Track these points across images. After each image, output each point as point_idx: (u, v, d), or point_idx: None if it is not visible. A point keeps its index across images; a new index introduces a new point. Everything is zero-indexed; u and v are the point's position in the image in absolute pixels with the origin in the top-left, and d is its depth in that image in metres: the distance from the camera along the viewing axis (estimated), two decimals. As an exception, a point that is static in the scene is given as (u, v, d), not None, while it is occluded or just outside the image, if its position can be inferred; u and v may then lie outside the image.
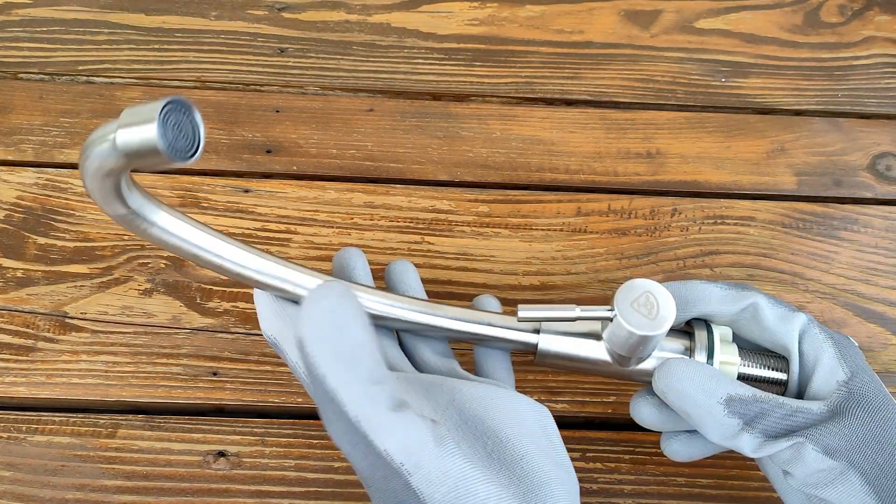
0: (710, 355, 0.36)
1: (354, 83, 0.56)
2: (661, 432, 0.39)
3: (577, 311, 0.35)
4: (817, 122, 0.56)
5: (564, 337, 0.37)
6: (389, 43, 0.58)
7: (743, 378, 0.36)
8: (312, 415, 0.44)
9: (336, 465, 0.42)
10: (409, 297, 0.38)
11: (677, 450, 0.38)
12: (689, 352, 0.36)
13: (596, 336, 0.37)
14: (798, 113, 0.57)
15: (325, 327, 0.30)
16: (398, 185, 0.51)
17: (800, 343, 0.36)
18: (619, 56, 0.58)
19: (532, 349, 0.37)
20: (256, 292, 0.36)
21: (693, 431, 0.38)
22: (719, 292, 0.37)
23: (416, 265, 0.44)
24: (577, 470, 0.43)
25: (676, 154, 0.54)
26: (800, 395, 0.36)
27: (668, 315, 0.34)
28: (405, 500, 0.30)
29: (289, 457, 0.42)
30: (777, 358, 0.37)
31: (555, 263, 0.49)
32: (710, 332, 0.37)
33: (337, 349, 0.30)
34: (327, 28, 0.58)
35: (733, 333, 0.38)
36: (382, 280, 0.41)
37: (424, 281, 0.47)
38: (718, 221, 0.51)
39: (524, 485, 0.32)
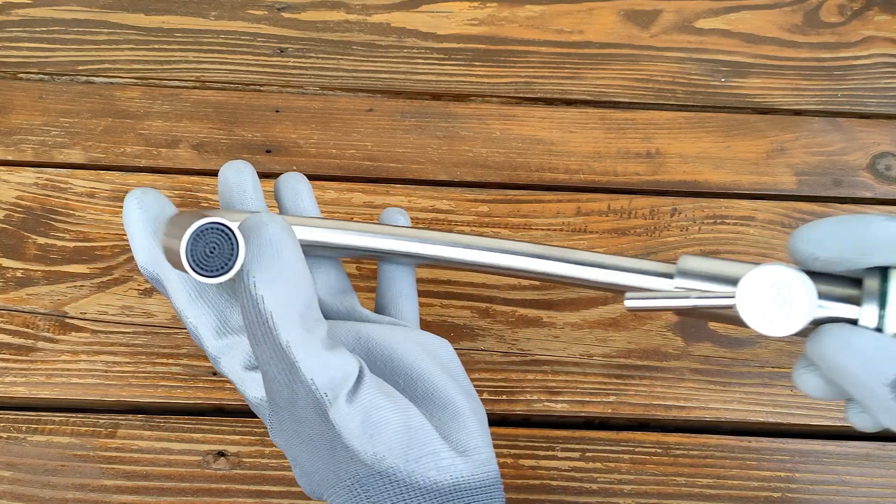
0: (882, 312, 0.29)
1: (354, 83, 0.56)
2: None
3: (692, 300, 0.31)
4: (817, 121, 0.56)
5: (699, 281, 0.32)
6: (389, 43, 0.58)
7: None
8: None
9: (336, 464, 0.42)
10: (455, 234, 0.37)
11: (812, 385, 0.32)
12: (856, 303, 0.30)
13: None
14: (798, 113, 0.57)
15: (268, 254, 0.30)
16: (398, 185, 0.52)
17: None
18: (618, 56, 0.58)
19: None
20: (130, 217, 0.34)
21: None
22: None
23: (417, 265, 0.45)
24: (577, 470, 0.43)
25: (676, 154, 0.54)
26: None
27: (804, 313, 0.28)
28: (321, 429, 0.30)
29: (289, 457, 0.42)
30: None
31: (554, 263, 0.49)
32: (884, 281, 0.29)
33: (279, 275, 0.30)
34: (327, 28, 0.58)
35: None
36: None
37: (424, 281, 0.47)
38: (718, 221, 0.51)
39: (438, 415, 0.32)
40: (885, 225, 0.29)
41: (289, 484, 0.42)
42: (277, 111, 0.54)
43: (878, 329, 0.29)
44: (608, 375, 0.46)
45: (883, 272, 0.30)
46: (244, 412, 0.44)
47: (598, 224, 0.51)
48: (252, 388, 0.33)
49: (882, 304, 0.29)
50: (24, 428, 0.43)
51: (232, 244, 0.30)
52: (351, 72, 0.56)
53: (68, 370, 0.44)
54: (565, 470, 0.43)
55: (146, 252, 0.34)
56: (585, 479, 0.43)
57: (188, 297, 0.34)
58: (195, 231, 0.29)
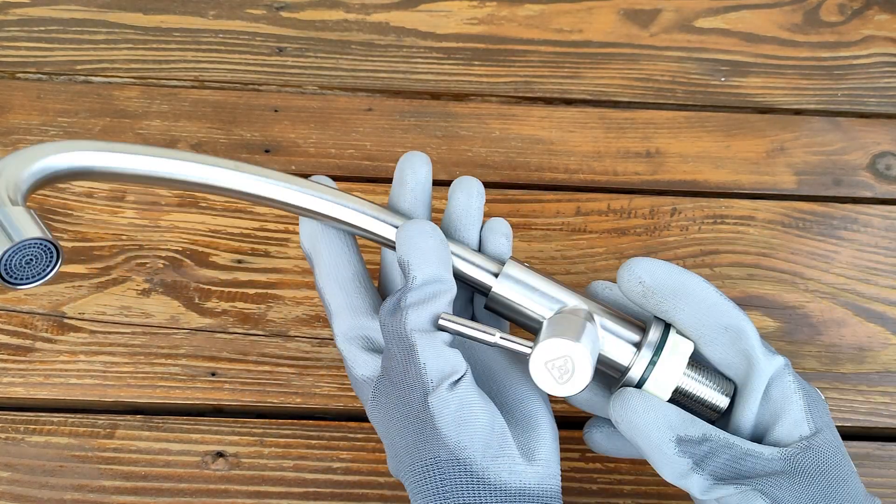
0: (654, 360, 0.35)
1: (353, 82, 0.56)
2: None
3: (496, 338, 0.35)
4: (817, 121, 0.56)
5: (521, 288, 0.36)
6: (388, 42, 0.58)
7: (679, 394, 0.35)
8: (311, 415, 0.44)
9: (335, 465, 0.42)
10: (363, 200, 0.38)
11: (598, 442, 0.39)
12: (636, 348, 0.35)
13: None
14: (798, 112, 0.57)
15: (430, 245, 0.35)
16: (397, 185, 0.51)
17: (769, 386, 0.35)
18: (618, 55, 0.58)
19: (485, 290, 0.37)
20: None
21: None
22: (714, 298, 0.35)
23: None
24: (577, 470, 0.43)
25: (676, 153, 0.54)
26: (755, 437, 0.36)
27: (578, 387, 0.34)
28: (417, 409, 0.34)
29: (287, 457, 0.42)
30: (725, 382, 0.36)
31: (554, 263, 0.49)
32: (664, 336, 0.35)
33: (431, 257, 0.35)
34: (326, 27, 0.58)
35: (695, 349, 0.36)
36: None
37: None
38: (718, 221, 0.51)
39: (522, 425, 0.35)
40: (692, 287, 0.35)
41: (288, 484, 0.42)
42: (276, 111, 0.54)
43: (641, 382, 0.35)
44: (608, 375, 0.45)
45: (667, 328, 0.36)
46: (243, 412, 0.44)
47: (597, 224, 0.50)
48: (362, 368, 0.36)
49: (655, 354, 0.35)
50: (22, 428, 0.42)
51: (52, 257, 0.31)
52: (350, 71, 0.56)
53: (67, 370, 0.44)
54: (565, 470, 0.43)
55: (306, 231, 0.38)
56: (585, 479, 0.43)
57: (333, 280, 0.38)
58: (14, 246, 0.30)
